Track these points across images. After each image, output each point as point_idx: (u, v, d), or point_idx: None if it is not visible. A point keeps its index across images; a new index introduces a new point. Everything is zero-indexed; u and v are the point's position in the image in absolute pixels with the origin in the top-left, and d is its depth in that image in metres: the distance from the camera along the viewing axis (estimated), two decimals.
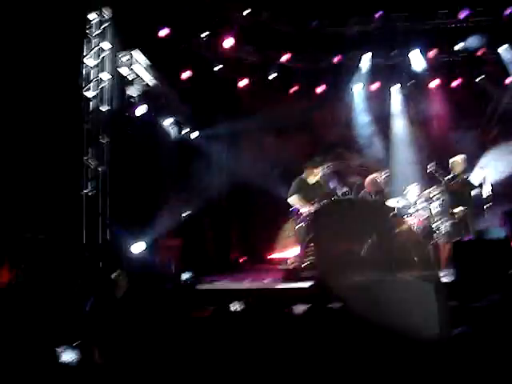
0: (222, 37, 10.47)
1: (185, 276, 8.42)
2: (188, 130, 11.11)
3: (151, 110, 9.50)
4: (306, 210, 8.39)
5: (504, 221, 9.74)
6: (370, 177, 9.27)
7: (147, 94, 9.40)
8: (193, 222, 10.66)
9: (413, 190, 10.32)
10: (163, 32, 9.59)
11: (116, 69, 8.67)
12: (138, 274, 7.71)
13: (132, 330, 3.99)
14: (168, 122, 10.39)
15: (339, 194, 8.51)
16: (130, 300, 6.14)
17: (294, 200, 8.63)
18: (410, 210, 10.00)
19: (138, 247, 8.27)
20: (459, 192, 8.66)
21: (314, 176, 8.64)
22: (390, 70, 12.12)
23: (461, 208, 8.61)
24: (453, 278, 7.10)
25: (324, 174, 8.63)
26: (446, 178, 8.90)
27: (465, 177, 8.68)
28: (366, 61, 11.74)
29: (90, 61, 8.38)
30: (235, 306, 3.95)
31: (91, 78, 8.40)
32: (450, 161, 8.99)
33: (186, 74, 10.49)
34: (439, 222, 9.93)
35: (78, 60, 8.21)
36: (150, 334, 4.31)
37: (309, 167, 8.72)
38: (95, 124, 8.38)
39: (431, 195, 10.03)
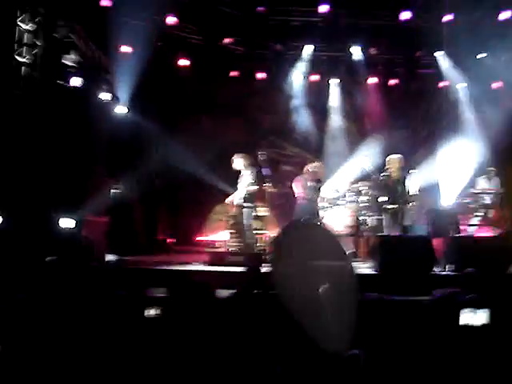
0: (165, 14, 10.24)
1: (110, 257, 8.27)
2: (123, 105, 10.82)
3: (86, 82, 9.18)
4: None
5: (426, 219, 10.17)
6: (312, 165, 9.36)
7: (83, 65, 9.08)
8: (122, 201, 10.44)
9: (343, 183, 10.58)
10: (104, 2, 9.28)
11: (52, 36, 8.32)
12: (64, 250, 7.50)
13: (52, 306, 3.89)
14: (103, 96, 10.08)
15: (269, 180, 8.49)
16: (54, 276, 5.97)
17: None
18: (339, 202, 10.25)
19: (66, 223, 8.01)
20: (392, 188, 8.91)
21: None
22: (330, 64, 12.29)
23: (392, 205, 8.89)
24: (374, 271, 7.37)
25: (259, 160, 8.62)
26: (380, 174, 9.13)
27: (399, 175, 8.94)
28: (307, 52, 11.83)
29: (24, 25, 7.99)
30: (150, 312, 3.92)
31: (24, 42, 8.02)
32: (387, 158, 9.22)
33: (124, 48, 10.21)
34: (366, 215, 10.23)
35: (13, 22, 7.82)
36: (72, 311, 4.22)
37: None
38: (26, 91, 8.02)
39: (360, 189, 10.32)
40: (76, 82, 8.90)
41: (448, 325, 3.45)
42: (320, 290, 2.74)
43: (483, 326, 3.66)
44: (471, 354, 2.79)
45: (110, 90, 10.22)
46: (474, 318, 3.58)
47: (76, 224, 8.16)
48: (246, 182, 8.60)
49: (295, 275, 2.91)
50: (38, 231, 7.40)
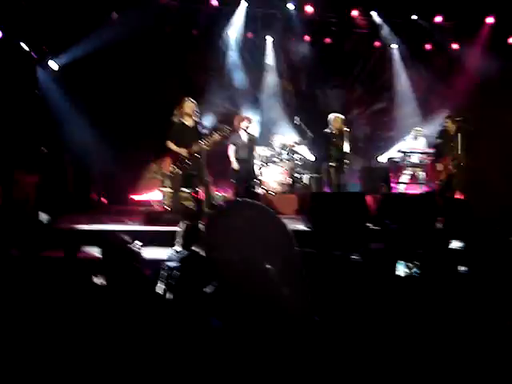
0: None
1: (42, 216, 8.01)
2: (49, 56, 10.32)
3: (9, 31, 8.67)
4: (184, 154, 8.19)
5: (359, 177, 10.47)
6: (245, 122, 9.32)
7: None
8: (52, 158, 10.08)
9: (278, 141, 10.66)
10: None
11: None
12: None
13: None
14: (27, 47, 9.55)
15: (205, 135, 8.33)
16: None
17: (170, 145, 8.36)
18: (274, 159, 10.34)
19: None
20: (332, 146, 9.13)
21: (189, 118, 8.31)
22: (265, 20, 12.16)
23: (332, 163, 9.11)
24: (308, 227, 7.52)
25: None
26: (323, 131, 9.30)
27: (339, 133, 9.15)
28: (243, 8, 11.65)
29: None
30: (99, 280, 3.85)
31: None
32: (330, 116, 9.38)
33: None
34: (301, 173, 10.40)
35: None
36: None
37: (185, 109, 8.33)
38: None
39: (295, 148, 10.45)
40: None
41: (383, 276, 3.60)
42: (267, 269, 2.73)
43: (412, 276, 3.84)
44: (404, 303, 2.92)
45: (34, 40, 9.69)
46: (405, 269, 3.76)
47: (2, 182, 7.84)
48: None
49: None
50: None
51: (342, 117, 9.39)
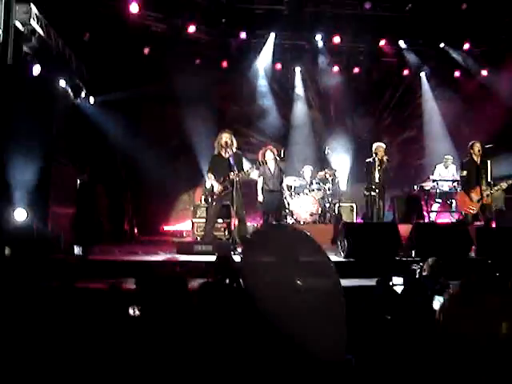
0: (128, 1, 10.08)
1: (76, 249, 8.15)
2: (86, 94, 10.65)
3: (47, 70, 8.97)
4: (217, 187, 8.32)
5: (391, 205, 10.42)
6: (275, 153, 9.38)
7: (44, 53, 8.86)
8: (86, 190, 10.30)
9: (308, 171, 10.70)
10: None
11: (11, 22, 8.08)
12: (21, 243, 7.36)
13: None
14: (64, 84, 9.88)
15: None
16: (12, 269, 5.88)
17: (208, 176, 8.55)
18: (304, 189, 10.37)
19: (19, 214, 7.84)
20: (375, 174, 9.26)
21: (225, 150, 8.40)
22: (294, 52, 12.34)
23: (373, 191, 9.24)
24: (342, 257, 7.51)
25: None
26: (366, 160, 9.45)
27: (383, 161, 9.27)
28: (271, 40, 11.84)
29: None
30: (133, 311, 3.90)
31: None
32: (375, 145, 9.51)
33: (86, 36, 10.02)
34: (331, 203, 10.41)
35: None
36: (36, 308, 4.17)
37: (220, 141, 8.45)
38: None
39: (325, 177, 10.47)
40: (36, 70, 8.69)
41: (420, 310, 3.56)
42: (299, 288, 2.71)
43: None
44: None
45: (72, 79, 10.04)
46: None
47: (32, 215, 7.99)
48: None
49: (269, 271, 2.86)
50: None
51: (384, 145, 9.55)
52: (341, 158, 10.66)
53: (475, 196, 8.99)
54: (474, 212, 9.03)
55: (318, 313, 2.54)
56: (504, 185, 9.05)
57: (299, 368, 2.18)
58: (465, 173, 9.24)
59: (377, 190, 9.27)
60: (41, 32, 8.70)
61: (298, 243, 2.94)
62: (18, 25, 8.27)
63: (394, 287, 4.39)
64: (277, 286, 2.62)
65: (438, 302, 3.84)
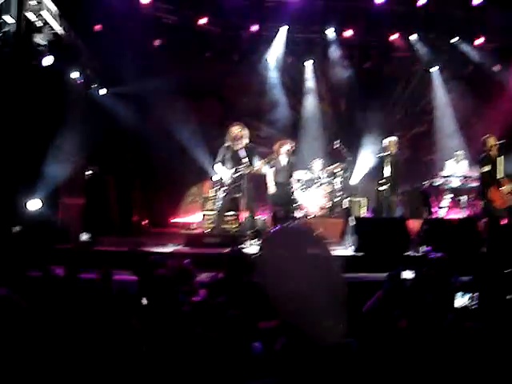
0: None
1: (83, 236, 8.22)
2: (97, 85, 10.67)
3: (59, 61, 8.99)
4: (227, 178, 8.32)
5: (401, 201, 10.37)
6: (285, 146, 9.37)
7: (56, 44, 8.88)
8: (96, 182, 10.35)
9: (318, 165, 10.67)
10: None
11: (22, 13, 8.10)
12: (34, 231, 7.44)
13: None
14: (76, 76, 9.91)
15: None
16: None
17: (217, 168, 8.55)
18: (314, 183, 10.36)
19: (33, 204, 7.92)
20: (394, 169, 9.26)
21: (236, 142, 8.39)
22: (305, 45, 12.29)
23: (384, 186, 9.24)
24: (352, 252, 7.51)
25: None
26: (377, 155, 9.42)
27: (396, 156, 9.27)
28: (282, 33, 11.80)
29: None
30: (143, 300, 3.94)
31: None
32: (386, 140, 9.48)
33: (97, 27, 10.05)
34: (340, 197, 10.39)
35: None
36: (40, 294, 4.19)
37: (230, 134, 8.44)
38: None
39: (335, 171, 10.45)
40: (48, 61, 8.71)
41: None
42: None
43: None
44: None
45: (84, 70, 10.07)
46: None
47: (46, 205, 8.07)
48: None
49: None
50: (6, 214, 7.32)
51: (396, 139, 9.54)
52: (351, 153, 10.62)
53: (506, 188, 8.81)
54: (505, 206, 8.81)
55: (319, 293, 2.56)
56: None
57: (300, 352, 2.20)
58: (486, 168, 8.98)
59: (388, 184, 9.25)
60: (53, 23, 8.72)
61: (303, 241, 2.94)
62: (31, 16, 8.31)
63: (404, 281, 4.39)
64: (289, 277, 2.63)
65: (460, 300, 3.83)
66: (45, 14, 8.53)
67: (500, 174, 8.82)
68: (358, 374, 2.56)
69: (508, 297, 3.89)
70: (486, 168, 8.97)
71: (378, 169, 9.60)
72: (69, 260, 5.35)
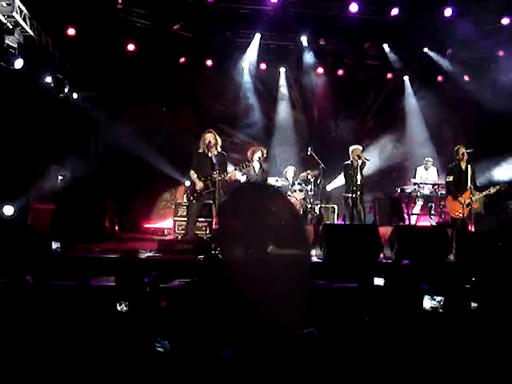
0: None
1: (54, 245, 8.08)
2: (69, 89, 10.55)
3: (31, 64, 8.86)
4: (199, 185, 8.26)
5: (372, 207, 10.47)
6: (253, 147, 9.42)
7: (28, 47, 8.76)
8: (68, 187, 10.22)
9: (290, 172, 10.72)
10: None
11: None
12: (7, 238, 7.31)
13: None
14: (48, 79, 9.79)
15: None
16: None
17: (191, 173, 8.48)
18: (287, 190, 10.39)
19: (7, 210, 7.81)
20: (351, 177, 9.29)
21: (209, 149, 8.34)
22: (279, 52, 12.35)
23: (350, 194, 9.25)
24: (321, 259, 7.52)
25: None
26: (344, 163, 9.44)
27: (358, 164, 9.29)
28: (256, 40, 11.84)
29: None
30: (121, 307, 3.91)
31: None
32: (351, 148, 9.53)
33: (71, 31, 9.96)
34: (313, 203, 10.45)
35: None
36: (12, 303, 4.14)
37: (204, 140, 8.41)
38: None
39: (308, 178, 10.51)
40: (19, 64, 8.58)
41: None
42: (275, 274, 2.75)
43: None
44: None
45: (55, 74, 9.94)
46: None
47: (18, 211, 7.96)
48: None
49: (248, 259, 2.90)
50: None
51: (361, 148, 9.57)
52: (324, 160, 10.69)
53: (463, 200, 9.02)
54: (463, 216, 9.03)
55: (283, 280, 2.60)
56: (492, 190, 9.11)
57: (262, 339, 2.22)
58: (451, 178, 9.23)
59: (358, 192, 9.30)
60: (24, 25, 8.62)
61: (270, 200, 2.96)
62: (1, 17, 8.20)
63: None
64: (250, 257, 2.65)
65: (428, 302, 3.92)
66: (16, 15, 8.42)
67: (469, 184, 8.98)
68: (318, 362, 2.59)
69: (472, 305, 3.98)
70: (451, 177, 9.23)
71: (344, 177, 9.65)
72: (39, 267, 5.27)
